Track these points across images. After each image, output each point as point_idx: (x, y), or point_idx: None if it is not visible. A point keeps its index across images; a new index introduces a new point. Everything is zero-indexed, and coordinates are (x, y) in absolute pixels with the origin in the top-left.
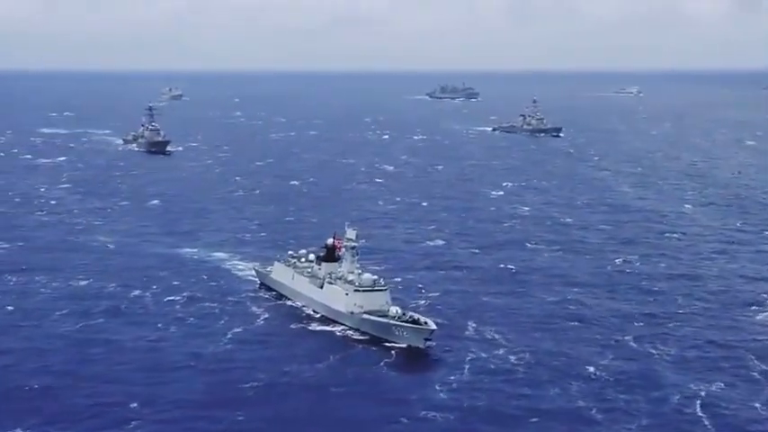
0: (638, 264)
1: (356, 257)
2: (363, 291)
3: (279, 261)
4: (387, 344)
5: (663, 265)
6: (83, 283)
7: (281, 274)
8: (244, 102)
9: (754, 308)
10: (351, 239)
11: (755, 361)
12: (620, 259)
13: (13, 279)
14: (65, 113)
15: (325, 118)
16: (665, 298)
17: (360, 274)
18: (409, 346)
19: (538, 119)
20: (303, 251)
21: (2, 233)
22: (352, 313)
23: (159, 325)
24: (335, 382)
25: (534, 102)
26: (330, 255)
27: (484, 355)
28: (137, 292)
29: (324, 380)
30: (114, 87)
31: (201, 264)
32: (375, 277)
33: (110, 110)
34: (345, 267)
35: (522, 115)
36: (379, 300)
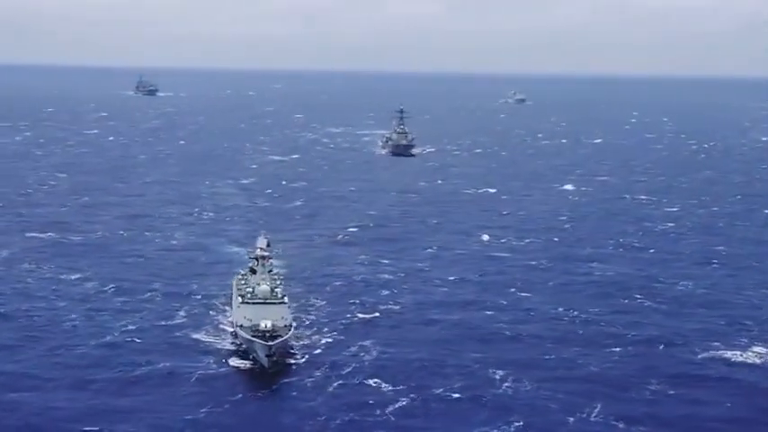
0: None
1: (266, 267)
2: (253, 303)
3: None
4: (246, 359)
5: (682, 287)
6: (74, 277)
7: (234, 286)
8: (588, 107)
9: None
10: (261, 248)
11: (594, 404)
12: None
13: (26, 268)
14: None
15: (631, 125)
16: (635, 329)
17: (258, 285)
18: (256, 362)
19: None
20: None
21: (96, 226)
22: (241, 326)
23: (71, 318)
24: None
25: None
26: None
27: (317, 374)
28: (110, 287)
29: (105, 391)
30: (479, 89)
31: (226, 265)
32: (278, 289)
33: (427, 111)
34: (255, 278)
35: None
36: (273, 313)
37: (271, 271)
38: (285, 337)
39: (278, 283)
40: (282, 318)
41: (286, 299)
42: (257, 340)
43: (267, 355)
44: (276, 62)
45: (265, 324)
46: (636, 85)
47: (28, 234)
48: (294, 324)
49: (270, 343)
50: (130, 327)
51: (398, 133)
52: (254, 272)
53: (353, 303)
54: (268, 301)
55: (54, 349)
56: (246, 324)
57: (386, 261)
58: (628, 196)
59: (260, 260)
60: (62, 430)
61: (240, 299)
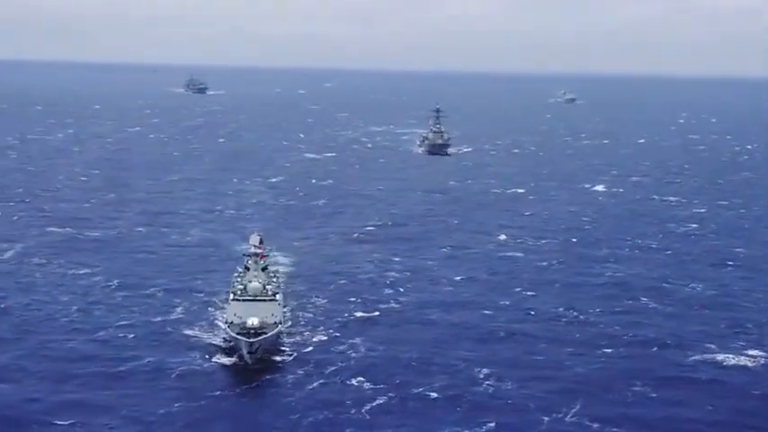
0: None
1: (259, 265)
2: (243, 300)
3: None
4: (232, 356)
5: (690, 288)
6: (81, 272)
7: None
8: (639, 107)
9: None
10: (254, 245)
11: (573, 405)
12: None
13: (35, 262)
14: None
15: (678, 125)
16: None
17: (249, 282)
18: (242, 359)
19: None
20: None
21: (116, 222)
22: (231, 323)
23: (69, 312)
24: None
25: None
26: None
27: (300, 372)
28: (115, 282)
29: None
30: (533, 88)
31: (235, 262)
32: (270, 286)
33: (475, 110)
34: (248, 276)
35: None
36: (263, 310)
37: (265, 268)
38: (269, 335)
39: (274, 280)
40: (273, 315)
41: (278, 296)
42: (240, 337)
43: (249, 352)
44: (332, 61)
45: (252, 321)
46: (692, 85)
47: (48, 229)
48: (283, 321)
49: (251, 340)
50: (125, 322)
51: (434, 132)
52: (248, 269)
53: (355, 301)
54: (258, 298)
55: (45, 343)
56: (236, 321)
57: (397, 259)
58: (657, 197)
59: (252, 257)
60: (35, 422)
61: (232, 296)
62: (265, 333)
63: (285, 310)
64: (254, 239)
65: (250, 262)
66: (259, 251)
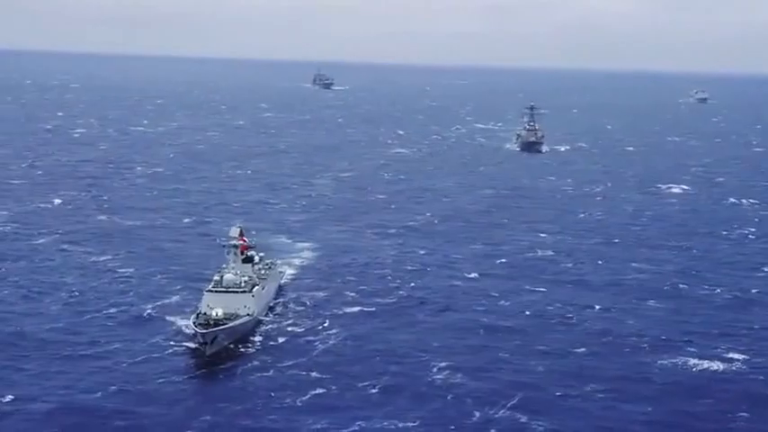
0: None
1: (238, 257)
2: (215, 291)
3: None
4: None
5: (707, 291)
6: (102, 258)
7: None
8: None
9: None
10: (232, 237)
11: (512, 400)
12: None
13: (62, 248)
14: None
15: None
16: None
17: (224, 273)
18: (198, 348)
19: None
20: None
21: (165, 212)
22: (204, 314)
23: (68, 296)
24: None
25: None
26: None
27: (255, 362)
28: (129, 270)
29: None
30: (668, 87)
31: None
32: (245, 278)
33: (593, 108)
34: (228, 267)
35: None
36: (235, 302)
37: (250, 260)
38: (227, 326)
39: (263, 272)
40: (245, 307)
41: (256, 289)
42: (196, 328)
43: (203, 343)
44: (473, 59)
45: (216, 312)
46: None
47: (94, 217)
48: (257, 313)
49: (203, 331)
50: (113, 309)
51: (528, 130)
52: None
53: (355, 296)
54: (231, 290)
55: (26, 326)
56: (207, 312)
57: (422, 252)
58: (732, 199)
59: (232, 249)
60: None
61: (208, 287)
62: (225, 324)
63: (279, 301)
64: (234, 232)
65: (230, 254)
66: (239, 243)
